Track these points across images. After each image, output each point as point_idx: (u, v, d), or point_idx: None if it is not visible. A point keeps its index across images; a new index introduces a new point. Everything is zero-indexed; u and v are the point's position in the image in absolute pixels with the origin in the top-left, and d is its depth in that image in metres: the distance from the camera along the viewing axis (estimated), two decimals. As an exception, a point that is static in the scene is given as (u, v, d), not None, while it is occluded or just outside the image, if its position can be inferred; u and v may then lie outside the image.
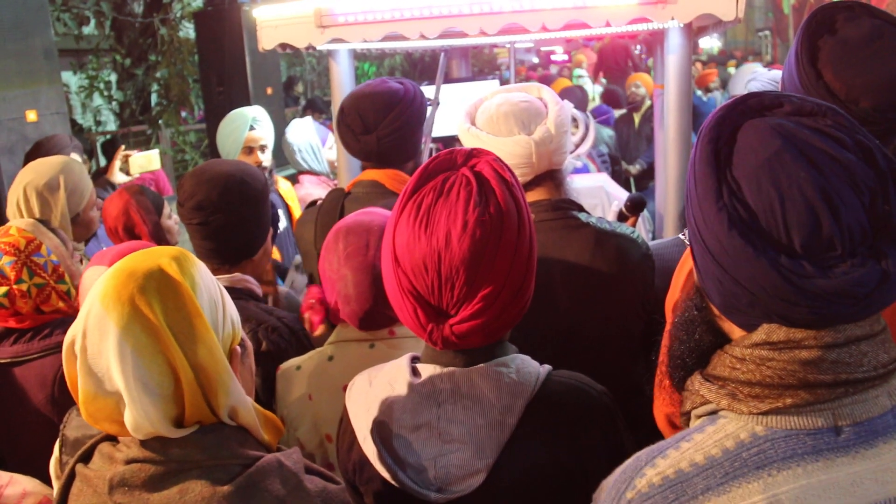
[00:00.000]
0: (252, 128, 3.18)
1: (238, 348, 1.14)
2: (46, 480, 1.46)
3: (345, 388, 1.51)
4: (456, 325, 1.11)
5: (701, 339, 0.95)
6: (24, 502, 1.34)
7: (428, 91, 2.77)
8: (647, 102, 5.94)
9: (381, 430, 1.18)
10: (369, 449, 1.18)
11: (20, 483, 1.36)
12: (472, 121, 1.80)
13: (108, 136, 8.70)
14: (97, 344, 1.01)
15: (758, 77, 3.75)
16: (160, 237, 2.48)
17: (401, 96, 2.10)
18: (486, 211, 1.09)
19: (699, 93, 7.40)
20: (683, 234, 1.48)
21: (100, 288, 1.04)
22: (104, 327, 1.00)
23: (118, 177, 3.25)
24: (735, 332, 0.92)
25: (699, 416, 0.93)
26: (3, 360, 1.87)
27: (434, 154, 1.21)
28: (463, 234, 1.07)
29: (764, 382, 0.85)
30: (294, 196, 3.37)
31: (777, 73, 3.74)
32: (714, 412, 0.91)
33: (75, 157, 3.27)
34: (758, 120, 0.87)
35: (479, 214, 1.08)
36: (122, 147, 3.46)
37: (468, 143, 1.76)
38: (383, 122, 2.07)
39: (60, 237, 1.96)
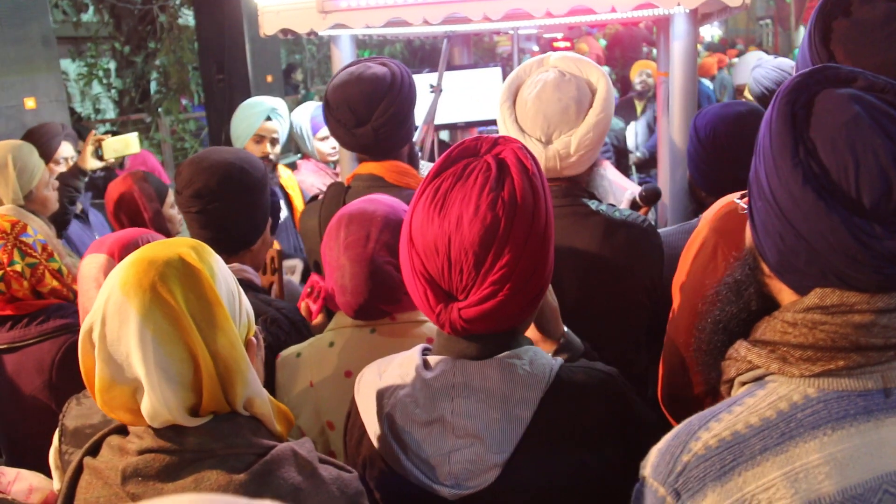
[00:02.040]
0: (269, 118, 3.14)
1: (253, 339, 1.15)
2: (45, 464, 1.45)
3: (346, 374, 1.50)
4: (464, 308, 1.09)
5: (749, 300, 0.99)
6: (32, 498, 1.33)
7: (430, 78, 2.73)
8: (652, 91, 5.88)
9: (392, 425, 1.16)
10: (380, 445, 1.16)
11: (26, 479, 1.35)
12: (514, 95, 1.73)
13: (109, 126, 8.64)
14: (117, 330, 1.00)
15: (763, 64, 3.70)
16: (161, 225, 2.46)
17: (389, 81, 1.95)
18: (499, 196, 1.08)
19: (706, 82, 7.32)
20: (739, 198, 1.47)
21: (119, 276, 1.03)
22: (125, 314, 1.00)
23: (90, 163, 3.04)
24: (784, 295, 0.95)
25: (744, 383, 0.96)
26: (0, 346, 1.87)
27: (437, 143, 1.19)
28: (474, 217, 1.07)
29: (817, 345, 0.88)
30: (295, 185, 3.34)
31: (782, 61, 3.69)
32: (761, 377, 0.94)
33: (68, 145, 3.22)
34: (834, 89, 0.91)
35: (492, 199, 1.07)
36: (94, 132, 3.20)
37: (498, 117, 1.73)
38: (376, 111, 1.93)
39: (42, 218, 1.96)
